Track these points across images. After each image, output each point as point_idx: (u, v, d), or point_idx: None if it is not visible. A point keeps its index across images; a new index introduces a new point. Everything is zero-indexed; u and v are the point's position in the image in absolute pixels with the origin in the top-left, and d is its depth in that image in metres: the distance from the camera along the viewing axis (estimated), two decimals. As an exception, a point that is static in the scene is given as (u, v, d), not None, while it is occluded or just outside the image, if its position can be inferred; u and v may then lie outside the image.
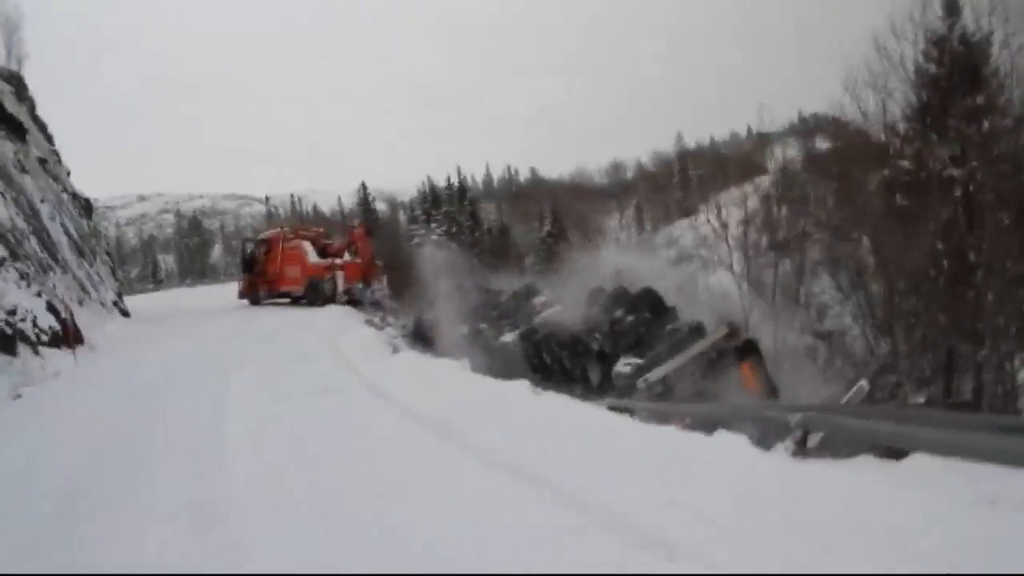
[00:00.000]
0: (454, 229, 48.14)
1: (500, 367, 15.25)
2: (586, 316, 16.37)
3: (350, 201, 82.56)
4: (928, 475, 3.78)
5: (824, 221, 36.78)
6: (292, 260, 23.98)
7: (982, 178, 15.59)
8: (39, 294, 13.52)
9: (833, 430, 5.11)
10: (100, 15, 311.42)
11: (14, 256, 13.70)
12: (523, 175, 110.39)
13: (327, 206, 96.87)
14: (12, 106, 21.45)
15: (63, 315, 13.80)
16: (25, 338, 11.73)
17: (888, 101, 18.75)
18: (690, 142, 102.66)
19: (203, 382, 9.92)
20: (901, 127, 18.38)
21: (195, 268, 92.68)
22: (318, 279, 22.81)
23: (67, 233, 20.87)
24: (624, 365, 13.91)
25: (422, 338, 18.87)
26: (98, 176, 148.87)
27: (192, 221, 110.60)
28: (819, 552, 2.97)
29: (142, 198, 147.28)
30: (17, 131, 21.19)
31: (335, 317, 18.08)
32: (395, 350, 12.91)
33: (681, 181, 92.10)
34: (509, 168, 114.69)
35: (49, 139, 26.68)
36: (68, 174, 27.10)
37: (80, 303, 17.13)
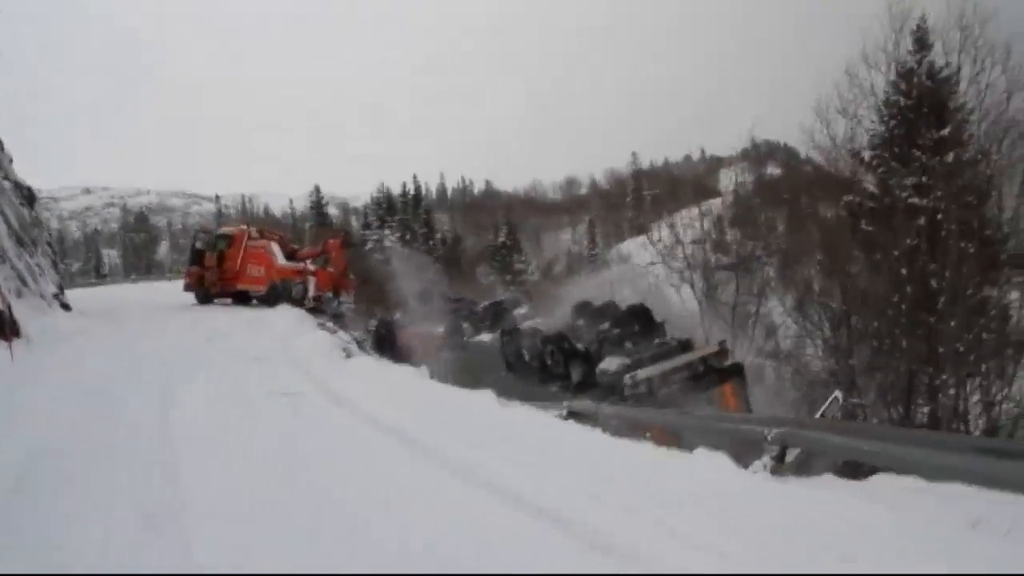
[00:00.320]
0: (408, 236, 47.88)
1: (473, 366, 15.99)
2: (571, 326, 16.56)
3: (302, 204, 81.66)
4: (907, 498, 3.75)
5: (774, 244, 37.73)
6: (257, 259, 23.29)
7: (945, 208, 16.04)
8: (-25, 283, 12.96)
9: (812, 446, 5.05)
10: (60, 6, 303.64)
11: (-50, 242, 13.13)
12: (477, 187, 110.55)
13: (278, 208, 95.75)
14: (-45, 87, 20.64)
15: (0, 307, 13.23)
16: (-42, 328, 11.20)
17: (856, 128, 19.27)
18: (644, 162, 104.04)
19: (149, 382, 9.53)
20: (867, 155, 18.84)
21: (140, 264, 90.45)
22: (286, 282, 22.26)
23: (6, 221, 20.06)
24: (610, 362, 13.85)
25: (385, 340, 19.16)
26: (42, 166, 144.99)
27: (139, 216, 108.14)
28: None
29: (87, 191, 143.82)
30: (-41, 114, 20.40)
31: (288, 319, 17.68)
32: (348, 355, 12.65)
33: (635, 200, 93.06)
34: (463, 179, 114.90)
35: (-8, 124, 25.78)
36: (11, 161, 26.13)
37: (18, 294, 16.46)
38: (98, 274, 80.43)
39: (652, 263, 37.61)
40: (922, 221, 16.25)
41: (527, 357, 15.71)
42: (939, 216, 16.00)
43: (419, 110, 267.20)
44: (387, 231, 47.56)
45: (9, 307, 13.57)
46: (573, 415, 7.93)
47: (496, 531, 3.90)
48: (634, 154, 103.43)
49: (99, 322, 17.71)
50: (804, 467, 5.17)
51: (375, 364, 11.51)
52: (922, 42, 17.91)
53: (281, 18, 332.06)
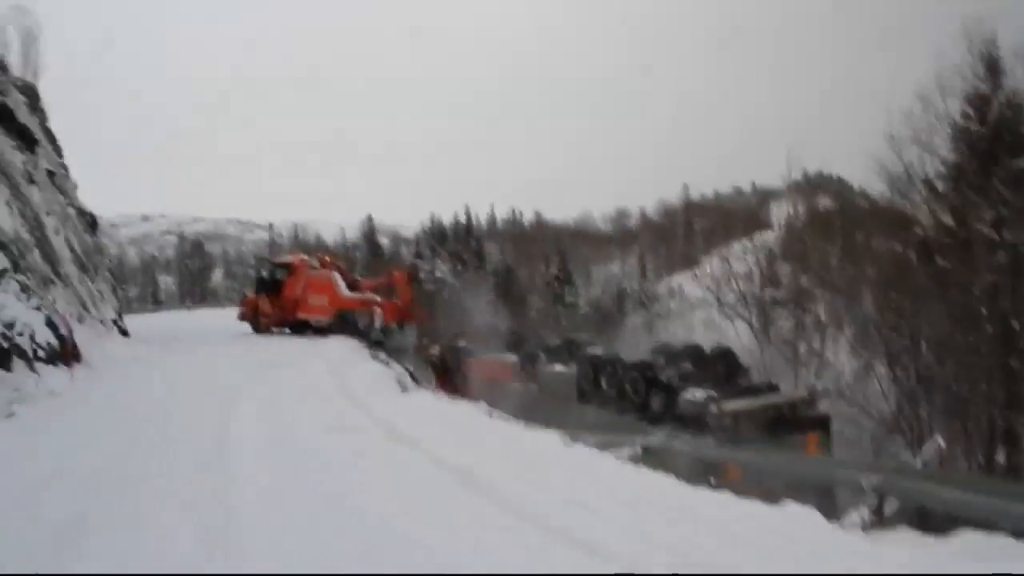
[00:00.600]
0: (459, 266, 47.86)
1: (544, 395, 16.71)
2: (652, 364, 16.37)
3: (353, 233, 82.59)
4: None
5: (828, 279, 36.80)
6: (319, 288, 22.95)
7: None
8: (39, 308, 13.07)
9: (918, 499, 4.61)
10: (119, 33, 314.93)
11: (16, 268, 13.29)
12: (527, 217, 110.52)
13: (329, 236, 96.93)
14: (24, 117, 21.20)
15: (62, 331, 13.36)
16: (22, 353, 11.24)
17: (927, 158, 18.52)
18: (694, 194, 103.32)
19: (204, 411, 9.43)
20: (940, 185, 18.07)
21: (195, 291, 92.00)
22: (350, 312, 22.02)
23: (71, 248, 20.47)
24: (695, 392, 13.69)
25: (448, 367, 19.88)
26: (104, 193, 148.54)
27: (194, 244, 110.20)
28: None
29: (146, 218, 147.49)
30: (28, 142, 20.91)
31: (340, 350, 17.61)
32: (404, 388, 12.46)
33: (685, 232, 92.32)
34: (514, 210, 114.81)
35: (59, 152, 26.39)
36: (75, 188, 26.79)
37: (79, 319, 16.67)
38: (155, 300, 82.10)
39: (720, 303, 36.75)
40: (1002, 257, 15.43)
41: (605, 385, 15.76)
42: (1021, 252, 15.18)
43: (468, 140, 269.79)
44: (439, 260, 47.65)
45: (71, 332, 13.70)
46: (646, 452, 7.58)
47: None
48: (685, 185, 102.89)
49: (155, 349, 17.84)
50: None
51: (433, 399, 11.27)
52: (993, 68, 17.18)
53: (333, 55, 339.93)
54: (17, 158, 18.74)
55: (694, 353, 16.47)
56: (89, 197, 27.28)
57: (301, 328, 23.12)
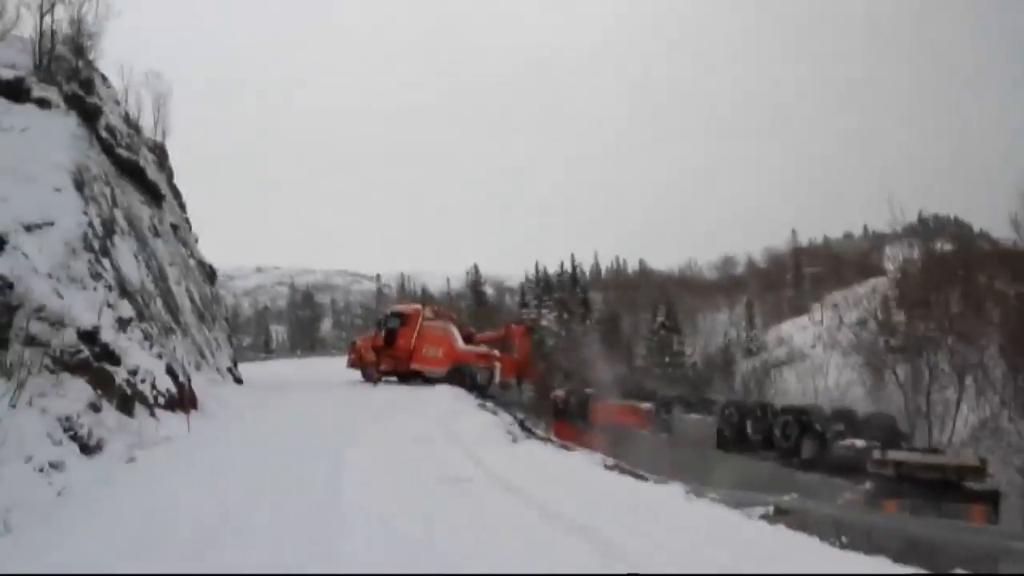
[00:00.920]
0: (565, 315, 47.54)
1: (676, 442, 17.05)
2: None
3: (458, 283, 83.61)
4: None
5: (947, 326, 34.52)
6: (434, 340, 22.74)
7: None
8: (160, 356, 13.44)
9: None
10: (233, 96, 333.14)
11: (140, 317, 13.73)
12: (631, 266, 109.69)
13: (435, 287, 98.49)
14: (153, 174, 22.30)
15: (181, 378, 13.65)
16: (143, 399, 11.50)
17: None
18: (803, 240, 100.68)
19: (317, 459, 9.29)
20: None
21: (305, 340, 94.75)
22: (466, 365, 21.76)
23: (191, 298, 21.25)
24: (854, 440, 13.43)
25: (573, 409, 20.66)
26: (221, 246, 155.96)
27: (305, 295, 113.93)
28: None
29: (259, 270, 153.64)
30: (155, 197, 21.98)
31: (447, 398, 17.45)
32: (514, 439, 12.10)
33: (794, 279, 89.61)
34: (617, 258, 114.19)
35: (182, 206, 27.70)
36: (196, 241, 27.99)
37: (197, 367, 17.12)
38: (266, 349, 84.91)
39: (831, 347, 35.25)
40: None
41: (750, 430, 15.85)
42: None
43: (572, 189, 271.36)
44: (544, 310, 47.55)
45: (189, 379, 14.00)
46: (780, 514, 6.93)
47: None
48: (793, 231, 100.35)
49: (268, 396, 18.09)
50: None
51: (544, 449, 10.87)
52: None
53: (424, 109, 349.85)
54: (145, 212, 19.64)
55: (846, 417, 15.73)
56: (208, 250, 28.46)
57: (409, 376, 22.93)
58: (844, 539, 6.03)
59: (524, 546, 5.48)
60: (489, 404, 17.67)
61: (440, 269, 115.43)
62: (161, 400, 12.13)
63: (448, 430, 12.31)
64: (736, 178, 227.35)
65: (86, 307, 10.69)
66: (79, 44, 17.56)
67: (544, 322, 41.65)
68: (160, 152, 26.90)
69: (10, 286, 8.91)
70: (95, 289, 11.62)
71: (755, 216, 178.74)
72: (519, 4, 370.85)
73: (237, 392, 18.84)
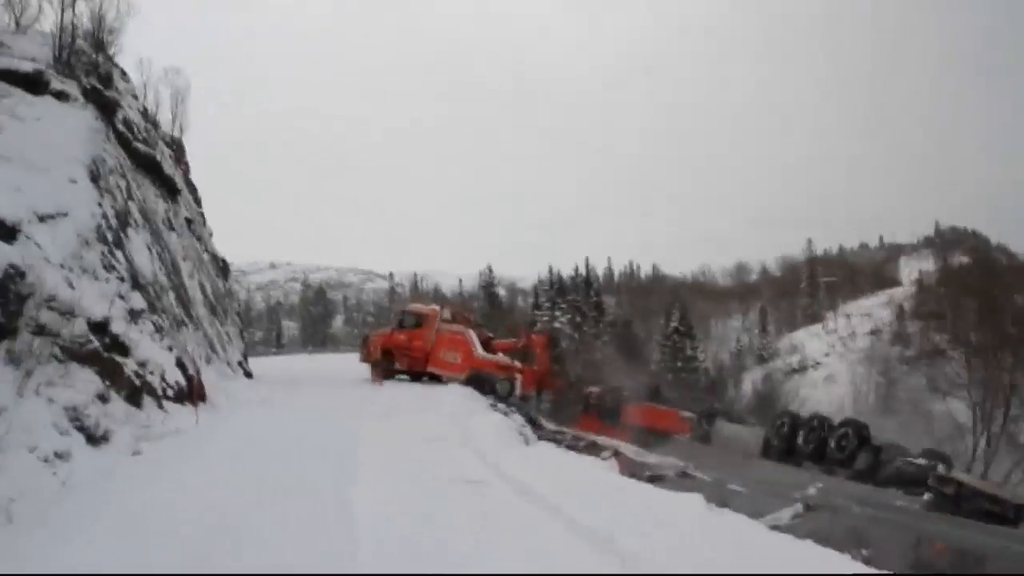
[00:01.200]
0: (578, 319, 47.34)
1: (716, 451, 17.27)
2: None
3: (471, 284, 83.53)
4: None
5: (963, 338, 34.26)
6: (454, 345, 22.50)
7: None
8: (170, 348, 13.41)
9: None
10: (250, 94, 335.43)
11: (152, 309, 13.72)
12: (644, 271, 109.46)
13: (447, 287, 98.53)
14: (169, 168, 22.40)
15: (190, 371, 13.64)
16: (152, 391, 11.47)
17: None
18: (818, 249, 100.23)
19: (327, 457, 9.23)
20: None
21: (317, 336, 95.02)
22: (486, 374, 21.41)
23: (203, 291, 21.28)
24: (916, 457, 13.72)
25: (604, 407, 21.12)
26: (236, 241, 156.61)
27: (317, 291, 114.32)
28: None
29: (273, 266, 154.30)
30: (171, 191, 22.07)
31: (459, 397, 17.35)
32: (527, 441, 12.02)
33: (809, 287, 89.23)
34: (631, 263, 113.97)
35: (198, 201, 27.82)
36: (211, 235, 28.09)
37: (207, 361, 17.11)
38: (278, 344, 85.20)
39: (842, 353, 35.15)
40: None
41: (801, 440, 16.28)
42: None
43: (584, 194, 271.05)
44: (558, 313, 47.40)
45: (198, 373, 13.98)
46: (809, 510, 6.84)
47: None
48: (809, 240, 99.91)
49: (278, 391, 18.02)
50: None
51: (557, 452, 10.78)
52: None
53: (449, 119, 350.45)
54: (160, 206, 19.70)
55: (897, 451, 15.63)
56: (222, 244, 28.54)
57: (419, 375, 22.83)
58: (865, 552, 5.98)
59: (538, 547, 5.41)
60: (501, 405, 17.58)
61: (453, 269, 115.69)
62: (170, 393, 12.10)
63: (461, 431, 12.17)
64: (751, 185, 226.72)
65: (97, 298, 10.66)
66: (99, 39, 17.65)
67: (557, 324, 41.50)
68: (177, 147, 27.02)
69: (22, 275, 8.87)
70: (107, 280, 11.58)
71: (769, 224, 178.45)
72: (548, 4, 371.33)
73: (247, 386, 18.82)
